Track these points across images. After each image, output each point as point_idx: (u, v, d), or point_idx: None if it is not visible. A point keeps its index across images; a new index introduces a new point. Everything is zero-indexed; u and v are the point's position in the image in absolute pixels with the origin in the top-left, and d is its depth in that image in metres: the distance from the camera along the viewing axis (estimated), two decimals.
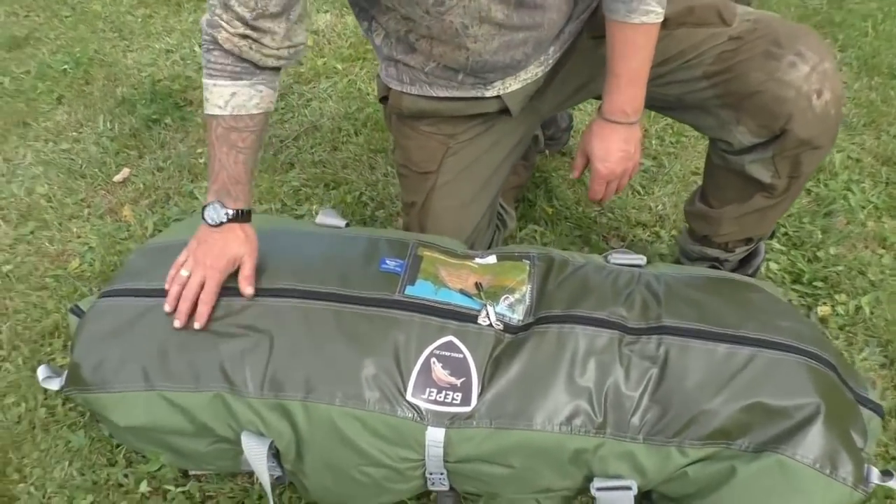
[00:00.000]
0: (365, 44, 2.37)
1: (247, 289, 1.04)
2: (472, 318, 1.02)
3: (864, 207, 1.69)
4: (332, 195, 1.78)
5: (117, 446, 1.22)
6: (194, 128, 2.05)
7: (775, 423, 0.93)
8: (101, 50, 2.45)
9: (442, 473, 1.00)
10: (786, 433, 0.92)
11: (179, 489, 1.15)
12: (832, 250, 1.57)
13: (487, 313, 1.03)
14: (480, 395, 0.97)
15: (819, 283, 1.49)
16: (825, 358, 1.00)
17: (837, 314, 1.43)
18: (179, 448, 1.07)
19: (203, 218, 1.06)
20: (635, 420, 0.96)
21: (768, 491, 0.92)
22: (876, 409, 1.04)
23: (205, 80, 1.04)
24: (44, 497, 1.16)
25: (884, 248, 1.60)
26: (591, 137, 1.17)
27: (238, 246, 1.05)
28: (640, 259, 1.16)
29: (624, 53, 1.07)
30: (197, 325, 1.02)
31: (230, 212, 1.05)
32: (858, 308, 1.44)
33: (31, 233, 1.70)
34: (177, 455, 1.10)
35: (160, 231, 1.63)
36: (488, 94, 1.17)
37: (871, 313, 1.43)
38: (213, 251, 1.04)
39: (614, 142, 1.15)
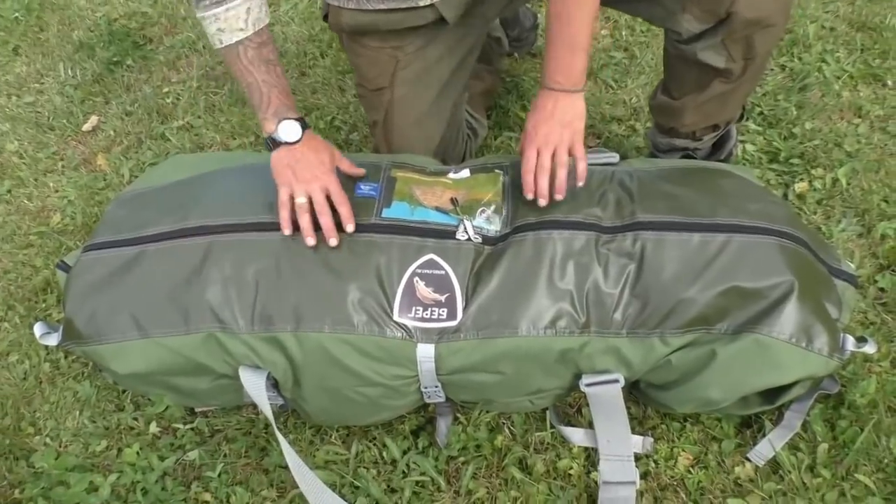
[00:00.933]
0: None
1: (359, 170, 1.11)
2: (451, 234, 1.04)
3: (839, 77, 1.67)
4: None
5: (123, 392, 1.26)
6: (157, 67, 2.00)
7: (751, 305, 0.96)
8: None
9: (437, 386, 1.03)
10: (762, 313, 0.95)
11: (188, 426, 1.20)
12: (808, 125, 1.56)
13: (465, 228, 1.04)
14: (465, 308, 0.99)
15: (796, 161, 1.50)
16: (797, 235, 1.02)
17: (815, 189, 1.45)
18: (182, 388, 1.10)
19: (279, 144, 1.06)
20: (617, 316, 0.99)
21: (748, 369, 0.96)
22: (850, 279, 1.07)
23: (211, 12, 1.03)
24: (60, 446, 1.21)
25: (859, 117, 1.59)
26: (531, 109, 1.08)
27: (324, 146, 1.08)
28: (613, 157, 1.16)
29: (559, 14, 1.00)
30: (350, 228, 1.02)
31: (299, 122, 1.07)
32: (835, 180, 1.45)
33: (9, 191, 1.69)
34: (181, 395, 1.13)
35: (136, 177, 1.62)
36: (422, 2, 1.14)
37: (848, 184, 1.44)
38: (311, 163, 1.05)
39: (549, 112, 1.04)
